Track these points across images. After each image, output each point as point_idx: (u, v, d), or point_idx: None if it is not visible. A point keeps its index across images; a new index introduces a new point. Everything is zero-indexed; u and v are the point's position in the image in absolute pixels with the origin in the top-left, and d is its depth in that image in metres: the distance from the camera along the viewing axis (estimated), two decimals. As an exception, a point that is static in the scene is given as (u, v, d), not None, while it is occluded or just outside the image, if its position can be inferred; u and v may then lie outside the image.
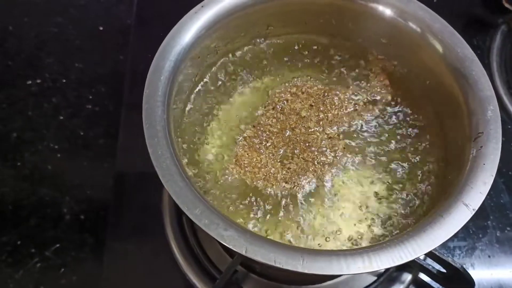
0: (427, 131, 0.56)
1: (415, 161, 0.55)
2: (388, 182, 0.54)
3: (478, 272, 0.64)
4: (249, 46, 0.62)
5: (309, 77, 0.60)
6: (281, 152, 0.54)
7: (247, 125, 0.56)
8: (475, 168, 0.45)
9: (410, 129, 0.57)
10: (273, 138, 0.55)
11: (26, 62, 0.80)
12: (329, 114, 0.57)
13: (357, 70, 0.61)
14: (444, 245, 0.65)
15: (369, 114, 0.58)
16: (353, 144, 0.56)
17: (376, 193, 0.53)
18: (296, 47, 0.62)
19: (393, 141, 0.56)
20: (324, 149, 0.55)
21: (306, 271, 0.39)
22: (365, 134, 0.57)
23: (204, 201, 0.42)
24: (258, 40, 0.62)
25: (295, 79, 0.60)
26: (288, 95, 0.58)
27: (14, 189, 0.68)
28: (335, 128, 0.56)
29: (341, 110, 0.58)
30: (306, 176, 0.53)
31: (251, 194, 0.52)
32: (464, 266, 0.53)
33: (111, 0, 0.87)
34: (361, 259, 0.39)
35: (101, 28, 0.83)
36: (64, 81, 0.77)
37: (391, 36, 0.58)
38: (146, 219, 0.66)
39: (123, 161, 0.70)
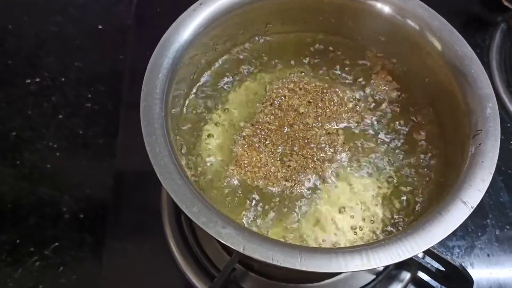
0: (426, 129, 0.56)
1: (414, 158, 0.55)
2: (387, 179, 0.54)
3: (477, 271, 0.63)
4: (248, 43, 0.62)
5: (305, 73, 0.61)
6: (280, 149, 0.54)
7: (246, 122, 0.56)
8: (474, 166, 0.44)
9: (409, 126, 0.57)
10: (272, 136, 0.55)
11: (25, 61, 0.80)
12: (328, 110, 0.57)
13: (356, 68, 0.61)
14: (443, 244, 0.65)
15: (367, 111, 0.58)
16: (352, 140, 0.56)
17: (375, 189, 0.53)
18: (295, 45, 0.62)
19: (391, 138, 0.56)
20: (323, 145, 0.55)
21: (304, 269, 0.38)
22: (364, 130, 0.57)
23: (202, 199, 0.42)
24: (257, 37, 0.62)
25: (292, 75, 0.60)
26: (286, 91, 0.58)
27: (13, 188, 0.68)
28: (333, 124, 0.56)
29: (340, 106, 0.58)
30: (306, 174, 0.53)
31: (252, 195, 0.52)
32: (463, 264, 0.53)
33: (110, 0, 0.87)
34: (360, 257, 0.39)
35: (100, 27, 0.83)
36: (63, 80, 0.77)
37: (390, 34, 0.58)
38: (145, 218, 0.66)
39: (122, 160, 0.70)
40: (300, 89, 0.58)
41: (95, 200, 0.68)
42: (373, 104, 0.59)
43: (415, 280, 0.61)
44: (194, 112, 0.57)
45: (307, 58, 0.62)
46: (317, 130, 0.56)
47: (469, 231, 0.66)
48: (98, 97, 0.76)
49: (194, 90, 0.58)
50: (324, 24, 0.61)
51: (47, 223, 0.65)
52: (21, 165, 0.70)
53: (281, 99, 0.58)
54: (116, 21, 0.85)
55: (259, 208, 0.51)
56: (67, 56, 0.80)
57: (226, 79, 0.60)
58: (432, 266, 0.58)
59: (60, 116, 0.74)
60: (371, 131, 0.57)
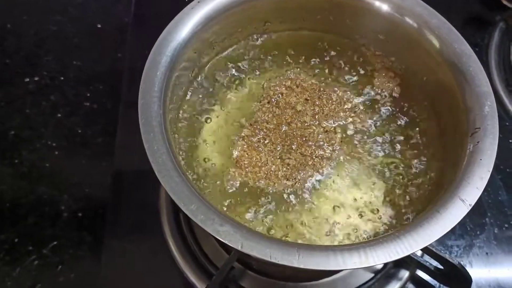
0: (424, 126, 0.56)
1: (412, 156, 0.55)
2: (386, 176, 0.54)
3: (476, 270, 0.63)
4: (246, 41, 0.62)
5: (303, 71, 0.61)
6: (279, 148, 0.54)
7: (244, 121, 0.56)
8: (472, 164, 0.45)
9: (407, 124, 0.57)
10: (270, 135, 0.55)
11: (24, 60, 0.80)
12: (325, 108, 0.57)
13: (354, 66, 0.61)
14: (441, 243, 0.65)
15: (365, 109, 0.58)
16: (350, 137, 0.56)
17: (374, 186, 0.53)
18: (293, 44, 0.62)
19: (389, 136, 0.56)
20: (322, 143, 0.55)
21: (302, 266, 0.38)
22: (361, 128, 0.57)
23: (200, 196, 0.42)
24: (255, 36, 0.62)
25: (288, 72, 0.60)
26: (283, 88, 0.58)
27: (12, 187, 0.68)
28: (331, 121, 0.57)
29: (337, 105, 0.58)
30: (305, 171, 0.53)
31: (254, 195, 0.52)
32: (461, 263, 0.53)
33: (109, -1, 0.87)
34: (358, 254, 0.39)
35: (99, 26, 0.83)
36: (62, 79, 0.77)
37: (389, 32, 0.58)
38: (143, 217, 0.66)
39: (121, 159, 0.70)
40: (297, 86, 0.58)
41: (94, 199, 0.67)
42: (371, 102, 0.59)
43: (413, 278, 0.61)
44: (192, 110, 0.57)
45: (305, 57, 0.62)
46: (314, 128, 0.56)
47: (468, 230, 0.66)
48: (97, 96, 0.76)
49: (192, 88, 0.58)
50: (323, 23, 0.61)
51: (46, 222, 0.65)
52: (19, 164, 0.70)
53: (279, 97, 0.58)
54: (115, 20, 0.85)
55: (262, 209, 0.51)
56: (66, 55, 0.80)
57: (224, 77, 0.60)
58: (430, 264, 0.58)
59: (59, 115, 0.74)
60: (368, 129, 0.57)
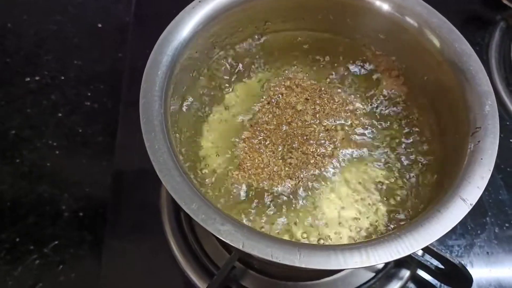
0: (425, 126, 0.56)
1: (413, 155, 0.55)
2: (387, 176, 0.54)
3: (477, 269, 0.63)
4: (247, 41, 0.62)
5: (303, 71, 0.61)
6: (280, 148, 0.54)
7: (245, 121, 0.56)
8: (473, 163, 0.45)
9: (408, 123, 0.57)
10: (271, 135, 0.55)
11: (25, 60, 0.80)
12: (326, 107, 0.57)
13: (355, 66, 0.61)
14: (442, 242, 0.65)
15: (366, 108, 0.58)
16: (351, 136, 0.56)
17: (376, 185, 0.53)
18: (294, 43, 0.62)
19: (390, 135, 0.56)
20: (323, 141, 0.55)
21: (303, 266, 0.38)
22: (362, 126, 0.57)
23: (201, 196, 0.42)
24: (256, 35, 0.62)
25: (286, 71, 0.60)
26: (283, 88, 0.58)
27: (12, 186, 0.68)
28: (331, 120, 0.57)
29: (338, 104, 0.58)
30: (308, 169, 0.53)
31: (258, 196, 0.52)
32: (462, 263, 0.53)
33: (109, -2, 0.87)
34: (359, 254, 0.39)
35: (99, 26, 0.83)
36: (63, 78, 0.77)
37: (389, 31, 0.58)
38: (144, 217, 0.66)
39: (121, 158, 0.70)
40: (297, 86, 0.58)
41: (94, 199, 0.68)
42: (372, 101, 0.59)
43: (414, 278, 0.61)
44: (193, 110, 0.57)
45: (306, 56, 0.62)
46: (315, 126, 0.56)
47: (469, 229, 0.66)
48: (97, 96, 0.76)
49: (193, 88, 0.58)
50: (323, 22, 0.61)
51: (46, 222, 0.65)
52: (20, 163, 0.70)
53: (279, 97, 0.58)
54: (116, 19, 0.85)
55: (267, 210, 0.51)
56: (66, 54, 0.80)
57: (225, 77, 0.60)
58: (431, 264, 0.58)
59: (60, 115, 0.74)
60: (369, 128, 0.57)
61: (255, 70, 0.61)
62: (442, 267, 0.56)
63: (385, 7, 0.56)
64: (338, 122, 0.57)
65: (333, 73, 0.61)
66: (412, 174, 0.53)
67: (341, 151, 0.55)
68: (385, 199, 0.52)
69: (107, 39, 0.83)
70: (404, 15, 0.55)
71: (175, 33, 0.51)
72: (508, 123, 0.75)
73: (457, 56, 0.51)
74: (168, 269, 0.62)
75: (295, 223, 0.51)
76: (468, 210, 0.42)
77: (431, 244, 0.41)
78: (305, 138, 0.55)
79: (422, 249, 0.57)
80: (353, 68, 0.61)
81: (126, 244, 0.64)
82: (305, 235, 0.50)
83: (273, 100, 0.58)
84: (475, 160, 0.45)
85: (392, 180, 0.53)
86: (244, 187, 0.52)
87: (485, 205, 0.67)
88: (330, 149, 0.55)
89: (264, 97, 0.58)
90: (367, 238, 0.49)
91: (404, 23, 0.55)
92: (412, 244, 0.40)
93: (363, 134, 0.56)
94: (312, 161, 0.53)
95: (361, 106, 0.58)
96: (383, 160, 0.55)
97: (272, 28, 0.61)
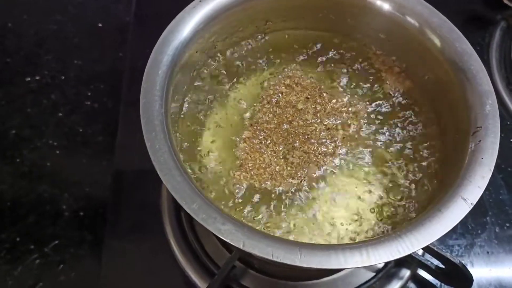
0: (425, 126, 0.56)
1: (414, 155, 0.55)
2: (388, 175, 0.54)
3: (477, 269, 0.63)
4: (248, 41, 0.61)
5: (303, 70, 0.61)
6: (282, 147, 0.54)
7: (245, 120, 0.56)
8: (474, 162, 0.44)
9: (408, 123, 0.57)
10: (272, 135, 0.55)
11: (25, 60, 0.80)
12: (327, 107, 0.57)
13: (355, 65, 0.61)
14: (442, 242, 0.65)
15: (366, 107, 0.58)
16: (352, 135, 0.56)
17: (377, 185, 0.53)
18: (294, 43, 0.62)
19: (391, 134, 0.56)
20: (324, 140, 0.55)
21: (304, 265, 0.38)
22: (363, 126, 0.57)
23: (201, 195, 0.42)
24: (257, 35, 0.62)
25: (286, 69, 0.60)
26: (283, 87, 0.58)
27: (13, 186, 0.68)
28: (332, 119, 0.57)
29: (339, 103, 0.58)
30: (309, 168, 0.53)
31: (261, 197, 0.52)
32: (462, 262, 0.53)
33: (109, -2, 0.87)
34: (359, 253, 0.39)
35: (100, 26, 0.83)
36: (63, 78, 0.77)
37: (390, 31, 0.58)
38: (144, 216, 0.66)
39: (121, 158, 0.70)
40: (297, 85, 0.58)
41: (94, 198, 0.68)
42: (372, 100, 0.59)
43: (415, 277, 0.61)
44: (194, 109, 0.57)
45: (306, 56, 0.62)
46: (316, 125, 0.56)
47: (469, 229, 0.66)
48: (97, 95, 0.76)
49: (194, 88, 0.58)
50: (323, 22, 0.60)
51: (46, 221, 0.65)
52: (20, 163, 0.70)
53: (279, 96, 0.58)
54: (116, 19, 0.85)
55: (271, 211, 0.51)
56: (66, 54, 0.80)
57: (226, 77, 0.60)
58: (432, 263, 0.58)
59: (60, 114, 0.74)
60: (370, 127, 0.57)
61: (255, 70, 0.60)
62: (443, 266, 0.56)
63: (386, 6, 0.56)
64: (339, 121, 0.57)
65: (334, 72, 0.61)
66: (412, 174, 0.53)
67: (342, 150, 0.55)
68: (386, 197, 0.52)
69: (107, 38, 0.83)
70: (405, 15, 0.55)
71: (175, 32, 0.51)
72: (508, 122, 0.75)
73: (457, 56, 0.51)
74: (168, 268, 0.62)
75: (298, 223, 0.50)
76: (469, 209, 0.42)
77: (431, 243, 0.41)
78: (306, 137, 0.55)
79: (422, 249, 0.57)
80: (353, 67, 0.61)
81: (126, 244, 0.64)
82: (308, 234, 0.50)
83: (273, 99, 0.58)
84: (475, 159, 0.45)
85: (393, 179, 0.53)
86: (246, 187, 0.52)
87: (485, 205, 0.67)
88: (331, 148, 0.55)
89: (264, 96, 0.58)
90: (368, 237, 0.49)
91: (405, 23, 0.55)
92: (413, 243, 0.40)
93: (364, 133, 0.56)
94: (313, 160, 0.53)
95: (361, 105, 0.58)
96: (383, 159, 0.55)
97: (273, 27, 0.61)
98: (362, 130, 0.56)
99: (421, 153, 0.55)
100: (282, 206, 0.51)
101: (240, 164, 0.53)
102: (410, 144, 0.55)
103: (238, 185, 0.52)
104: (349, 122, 0.57)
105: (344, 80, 0.60)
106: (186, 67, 0.54)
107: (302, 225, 0.50)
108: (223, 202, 0.51)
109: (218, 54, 0.60)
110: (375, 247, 0.40)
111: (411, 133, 0.56)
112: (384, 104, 0.58)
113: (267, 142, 0.55)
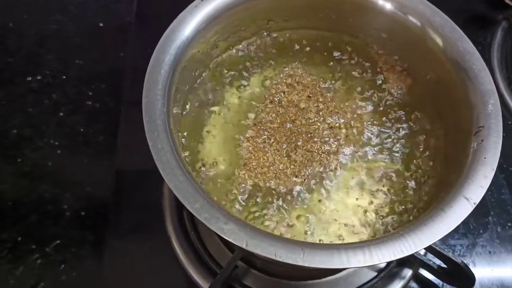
0: (428, 125, 0.56)
1: (416, 154, 0.55)
2: (390, 174, 0.54)
3: (479, 268, 0.63)
4: (249, 40, 0.61)
5: (305, 69, 0.61)
6: (285, 146, 0.54)
7: (248, 119, 0.56)
8: (476, 162, 0.44)
9: (411, 122, 0.57)
10: (275, 134, 0.55)
11: (26, 59, 0.79)
12: (330, 105, 0.57)
13: (357, 65, 0.61)
14: (444, 242, 0.65)
15: (368, 106, 0.58)
16: (355, 133, 0.56)
17: (380, 183, 0.53)
18: (296, 42, 0.62)
19: (393, 134, 0.56)
20: (327, 138, 0.55)
21: (306, 265, 0.38)
22: (366, 125, 0.57)
23: (204, 195, 0.42)
24: (259, 34, 0.62)
25: (286, 68, 0.60)
26: (284, 86, 0.58)
27: (14, 186, 0.68)
28: (335, 118, 0.57)
29: (341, 102, 0.58)
30: (313, 167, 0.53)
31: (265, 195, 0.52)
32: (465, 262, 0.53)
33: (110, -2, 0.87)
34: (362, 253, 0.39)
35: (101, 25, 0.83)
36: (64, 77, 0.77)
37: (392, 30, 0.58)
38: (145, 217, 0.66)
39: (122, 158, 0.70)
40: (298, 83, 0.58)
41: (96, 198, 0.67)
42: (374, 99, 0.59)
43: (417, 277, 0.61)
44: (196, 108, 0.57)
45: (308, 55, 0.62)
46: (319, 124, 0.56)
47: (471, 229, 0.66)
48: (98, 95, 0.76)
49: (196, 87, 0.58)
50: (325, 21, 0.60)
51: (48, 221, 0.65)
52: (21, 163, 0.69)
53: (281, 95, 0.58)
54: (117, 19, 0.85)
55: (274, 210, 0.51)
56: (67, 54, 0.80)
57: (228, 76, 0.60)
58: (434, 263, 0.58)
59: (61, 114, 0.74)
60: (372, 126, 0.57)
61: (257, 69, 0.61)
62: (445, 266, 0.56)
63: (388, 6, 0.56)
64: (341, 120, 0.57)
65: (336, 71, 0.61)
66: (415, 173, 0.53)
67: (345, 148, 0.55)
68: (388, 196, 0.52)
69: (108, 38, 0.82)
70: (407, 14, 0.55)
71: (177, 32, 0.51)
72: (510, 122, 0.75)
73: (460, 55, 0.51)
74: (170, 268, 0.61)
75: (302, 221, 0.50)
76: (472, 209, 0.42)
77: (433, 243, 0.41)
78: (309, 136, 0.55)
79: (424, 248, 0.57)
80: (355, 66, 0.61)
81: (128, 244, 0.64)
82: (311, 233, 0.50)
83: (275, 99, 0.57)
84: (478, 159, 0.45)
85: (396, 178, 0.53)
86: (250, 186, 0.52)
87: (487, 205, 0.67)
88: (334, 146, 0.55)
89: (267, 96, 0.58)
90: (372, 236, 0.49)
91: (407, 22, 0.55)
92: (416, 243, 0.40)
93: (367, 132, 0.56)
94: (317, 158, 0.53)
95: (363, 104, 0.58)
96: (386, 158, 0.55)
97: (275, 27, 0.61)
98: (365, 129, 0.56)
99: (423, 152, 0.55)
100: (286, 204, 0.51)
101: (244, 163, 0.53)
102: (412, 143, 0.55)
103: (243, 184, 0.52)
104: (352, 120, 0.57)
105: (346, 80, 0.60)
106: (188, 67, 0.54)
107: (306, 223, 0.50)
108: (226, 202, 0.51)
109: (220, 54, 0.60)
110: (378, 247, 0.40)
111: (413, 133, 0.56)
112: (385, 102, 0.58)
113: (271, 141, 0.55)
